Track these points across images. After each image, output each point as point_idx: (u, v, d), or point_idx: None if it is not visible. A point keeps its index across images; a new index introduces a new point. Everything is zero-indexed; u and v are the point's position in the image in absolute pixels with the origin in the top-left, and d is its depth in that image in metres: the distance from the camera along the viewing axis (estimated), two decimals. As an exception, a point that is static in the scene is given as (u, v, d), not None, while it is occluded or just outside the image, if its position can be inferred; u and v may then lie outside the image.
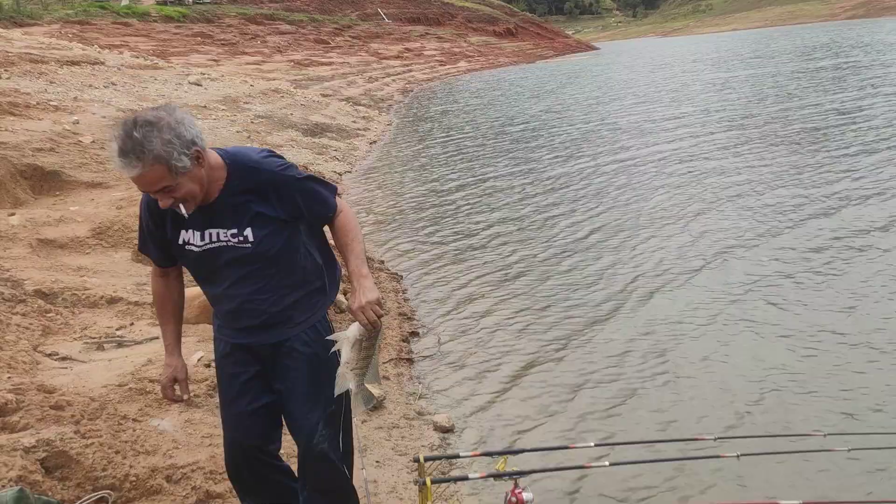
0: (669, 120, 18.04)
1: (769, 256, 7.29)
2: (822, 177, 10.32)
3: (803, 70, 28.59)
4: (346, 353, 2.45)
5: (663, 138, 15.22)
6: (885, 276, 6.43)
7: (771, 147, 13.04)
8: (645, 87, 28.45)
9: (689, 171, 11.60)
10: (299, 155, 13.91)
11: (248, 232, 2.50)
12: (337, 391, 2.50)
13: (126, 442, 3.52)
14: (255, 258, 2.53)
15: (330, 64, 42.70)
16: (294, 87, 26.74)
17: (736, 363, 5.15)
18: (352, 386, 2.48)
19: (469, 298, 6.90)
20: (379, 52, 54.78)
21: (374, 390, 2.60)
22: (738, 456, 3.03)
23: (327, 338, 2.57)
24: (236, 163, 2.51)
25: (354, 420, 2.80)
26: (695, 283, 6.79)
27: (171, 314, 2.78)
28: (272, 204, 2.51)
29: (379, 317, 2.42)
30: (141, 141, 2.23)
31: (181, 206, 2.39)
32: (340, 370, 2.48)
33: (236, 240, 2.51)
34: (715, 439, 3.28)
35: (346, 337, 2.46)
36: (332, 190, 2.68)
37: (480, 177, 13.05)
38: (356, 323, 2.43)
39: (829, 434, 3.59)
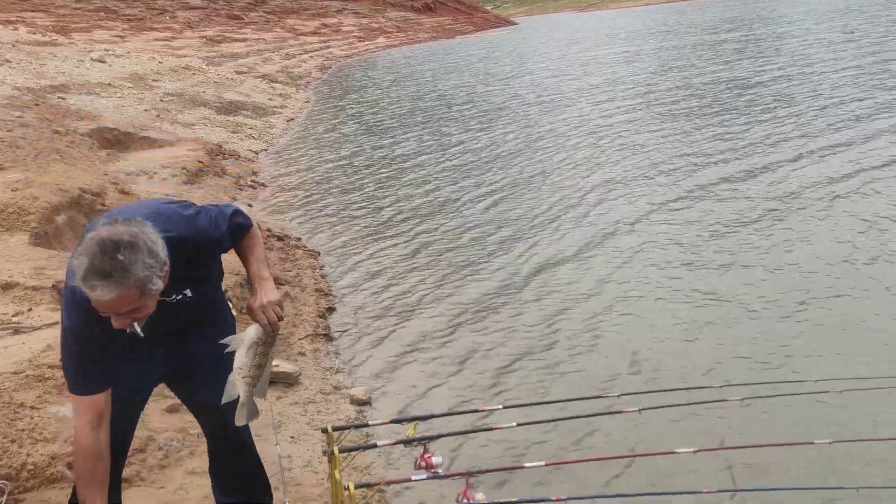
0: (579, 92, 18.47)
1: (663, 220, 7.60)
2: (715, 145, 10.78)
3: (707, 43, 29.58)
4: (241, 357, 2.42)
5: (572, 111, 15.56)
6: (769, 237, 6.77)
7: (672, 117, 13.54)
8: (558, 62, 28.87)
9: (594, 143, 11.92)
10: (213, 133, 13.51)
11: (188, 291, 2.48)
12: (224, 399, 2.48)
13: (23, 430, 3.39)
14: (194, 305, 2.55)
15: (244, 40, 41.46)
16: (206, 65, 25.87)
17: (634, 324, 5.36)
18: (241, 395, 2.45)
19: (384, 272, 6.93)
20: (295, 28, 53.55)
21: (261, 404, 2.59)
22: (639, 410, 3.16)
23: (221, 341, 2.48)
24: (172, 248, 2.24)
25: (268, 398, 2.80)
26: (593, 249, 7.03)
27: (101, 481, 2.36)
28: (204, 262, 2.52)
29: (279, 318, 2.41)
30: (126, 265, 2.02)
31: (136, 325, 2.21)
32: (232, 377, 2.45)
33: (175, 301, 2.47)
34: (618, 396, 3.41)
35: (243, 339, 2.43)
36: (239, 212, 2.61)
37: (395, 152, 13.09)
38: (255, 325, 2.42)
39: (723, 386, 3.80)
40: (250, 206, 9.64)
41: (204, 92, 18.40)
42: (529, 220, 8.17)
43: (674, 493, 2.77)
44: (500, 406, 3.35)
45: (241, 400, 2.46)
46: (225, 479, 2.95)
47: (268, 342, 2.42)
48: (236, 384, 2.44)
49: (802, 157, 9.53)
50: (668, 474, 3.43)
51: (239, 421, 2.53)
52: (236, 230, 2.55)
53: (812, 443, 3.15)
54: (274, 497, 3.04)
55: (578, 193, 9.03)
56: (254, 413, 2.55)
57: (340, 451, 2.81)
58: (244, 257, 2.60)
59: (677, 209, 7.96)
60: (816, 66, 18.31)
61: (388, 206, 9.30)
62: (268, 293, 2.43)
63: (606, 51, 31.88)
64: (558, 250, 7.11)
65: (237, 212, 2.59)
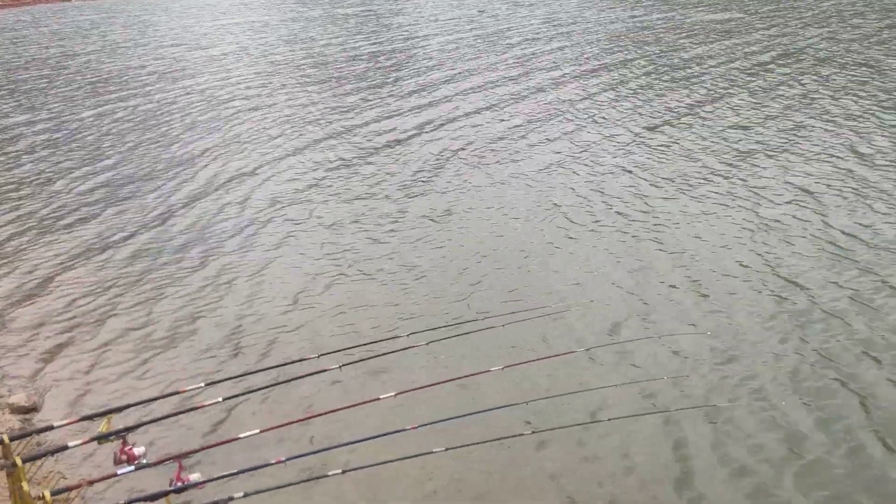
0: (204, 62, 18.07)
1: (282, 180, 7.97)
2: (342, 114, 11.54)
3: (333, 15, 30.49)
4: None
5: (197, 81, 15.21)
6: (411, 209, 7.46)
7: (296, 86, 14.08)
8: (184, 32, 27.43)
9: (219, 113, 11.92)
10: None
11: None
12: None
13: None
14: None
15: None
16: None
17: (314, 293, 5.53)
18: None
19: (46, 275, 6.10)
20: None
21: None
22: (339, 367, 3.32)
23: None
24: None
25: None
26: (255, 222, 7.09)
27: None
28: None
29: None
30: None
31: None
32: None
33: None
34: (318, 356, 3.53)
35: None
36: None
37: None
38: None
39: (410, 334, 4.14)
40: None
41: None
42: (158, 201, 7.81)
43: (384, 435, 2.98)
44: (203, 384, 3.25)
45: None
46: None
47: None
48: None
49: (421, 125, 10.56)
50: (377, 418, 3.67)
51: None
52: None
53: (489, 370, 3.64)
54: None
55: (206, 166, 8.96)
56: None
57: (24, 461, 2.49)
58: None
59: (318, 175, 8.36)
60: (434, 38, 20.14)
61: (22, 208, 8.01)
62: None
63: (237, 19, 31.04)
64: (206, 215, 7.08)
65: None
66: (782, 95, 10.73)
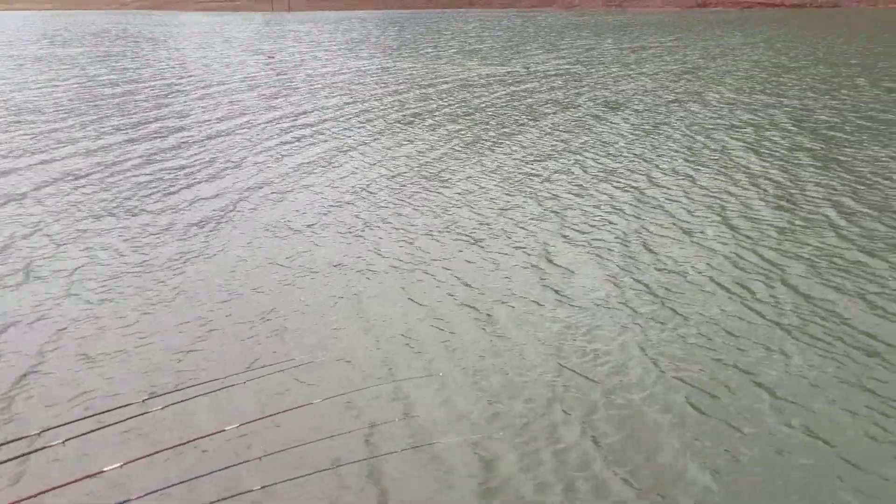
0: None
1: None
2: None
3: (93, 54, 28.97)
4: None
5: None
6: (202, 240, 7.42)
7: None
8: None
9: None
10: None
11: None
12: None
13: None
14: None
15: None
16: None
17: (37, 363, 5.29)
18: None
19: None
20: None
21: None
22: (63, 442, 3.25)
23: None
24: None
25: None
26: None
27: None
28: None
29: None
30: None
31: None
32: None
33: None
34: (40, 433, 3.41)
35: None
36: None
37: None
38: None
39: (146, 399, 4.10)
40: None
41: None
42: None
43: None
44: None
45: None
46: None
47: None
48: None
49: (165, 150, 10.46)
50: (100, 495, 3.59)
51: None
52: None
53: (224, 430, 3.78)
54: None
55: None
56: None
57: None
58: None
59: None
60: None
61: None
62: None
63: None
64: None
65: None
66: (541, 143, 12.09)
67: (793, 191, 9.03)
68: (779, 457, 4.10)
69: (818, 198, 8.68)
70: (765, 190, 9.11)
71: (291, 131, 13.70)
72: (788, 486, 3.89)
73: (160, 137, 13.16)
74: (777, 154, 10.85)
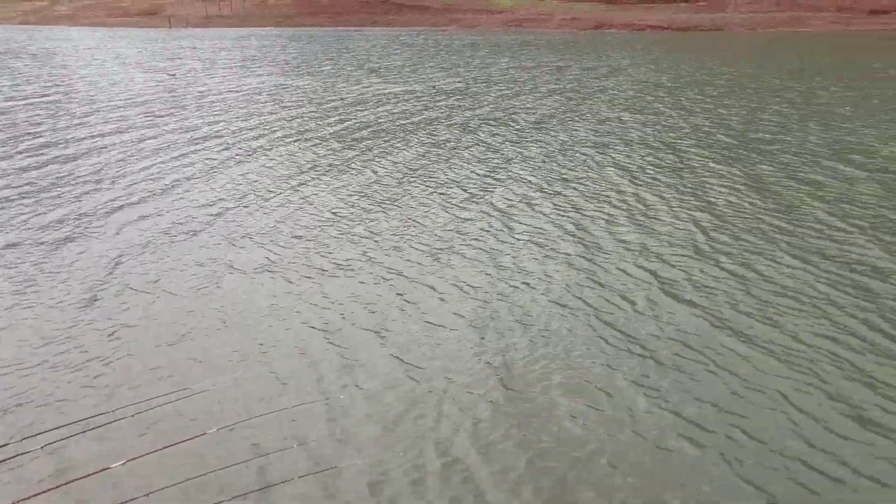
0: None
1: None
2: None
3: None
4: None
5: None
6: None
7: None
8: None
9: None
10: None
11: None
12: None
13: None
14: None
15: None
16: None
17: None
18: None
19: None
20: None
21: None
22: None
23: None
24: None
25: None
26: None
27: None
28: None
29: None
30: None
31: None
32: None
33: None
34: None
35: None
36: None
37: None
38: None
39: (24, 439, 3.95)
40: None
41: None
42: None
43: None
44: None
45: None
46: None
47: None
48: None
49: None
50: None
51: None
52: None
53: (108, 468, 3.68)
54: None
55: None
56: None
57: None
58: None
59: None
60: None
61: None
62: None
63: None
64: None
65: None
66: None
67: (650, 206, 9.44)
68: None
69: (680, 214, 9.10)
70: (628, 205, 9.48)
71: (174, 149, 13.37)
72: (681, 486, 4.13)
73: (32, 156, 12.57)
74: (645, 170, 11.33)
